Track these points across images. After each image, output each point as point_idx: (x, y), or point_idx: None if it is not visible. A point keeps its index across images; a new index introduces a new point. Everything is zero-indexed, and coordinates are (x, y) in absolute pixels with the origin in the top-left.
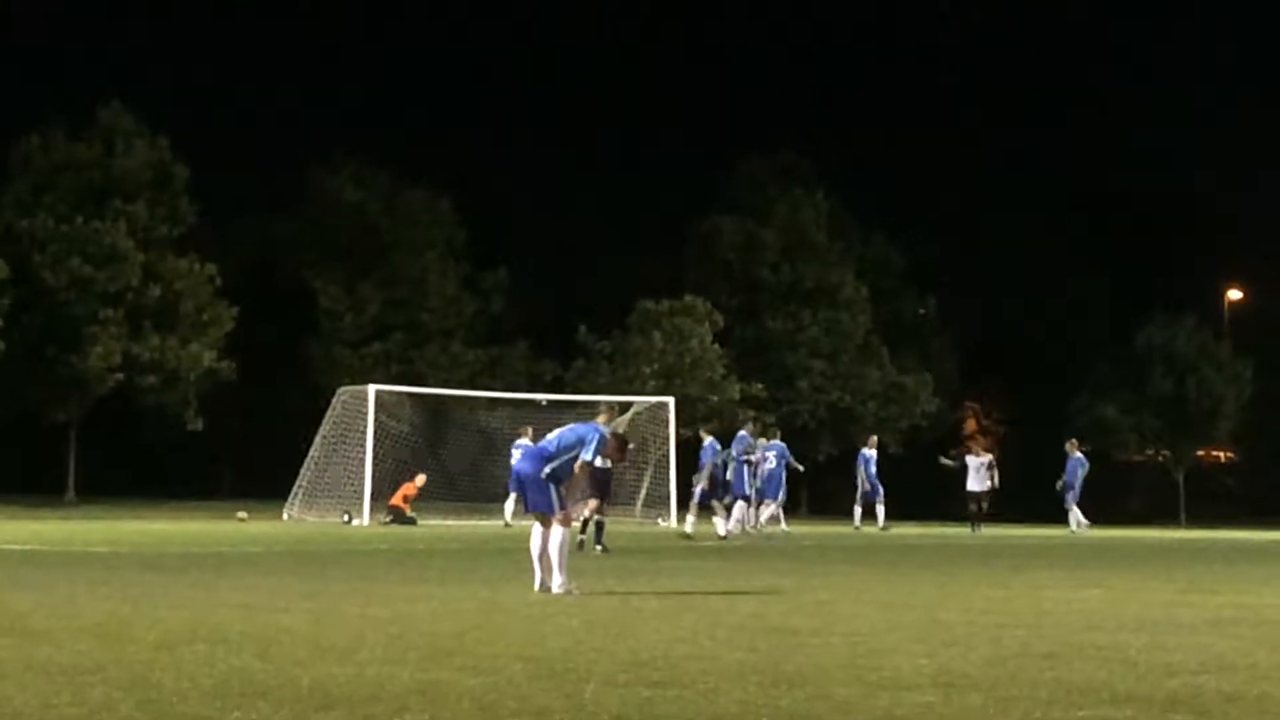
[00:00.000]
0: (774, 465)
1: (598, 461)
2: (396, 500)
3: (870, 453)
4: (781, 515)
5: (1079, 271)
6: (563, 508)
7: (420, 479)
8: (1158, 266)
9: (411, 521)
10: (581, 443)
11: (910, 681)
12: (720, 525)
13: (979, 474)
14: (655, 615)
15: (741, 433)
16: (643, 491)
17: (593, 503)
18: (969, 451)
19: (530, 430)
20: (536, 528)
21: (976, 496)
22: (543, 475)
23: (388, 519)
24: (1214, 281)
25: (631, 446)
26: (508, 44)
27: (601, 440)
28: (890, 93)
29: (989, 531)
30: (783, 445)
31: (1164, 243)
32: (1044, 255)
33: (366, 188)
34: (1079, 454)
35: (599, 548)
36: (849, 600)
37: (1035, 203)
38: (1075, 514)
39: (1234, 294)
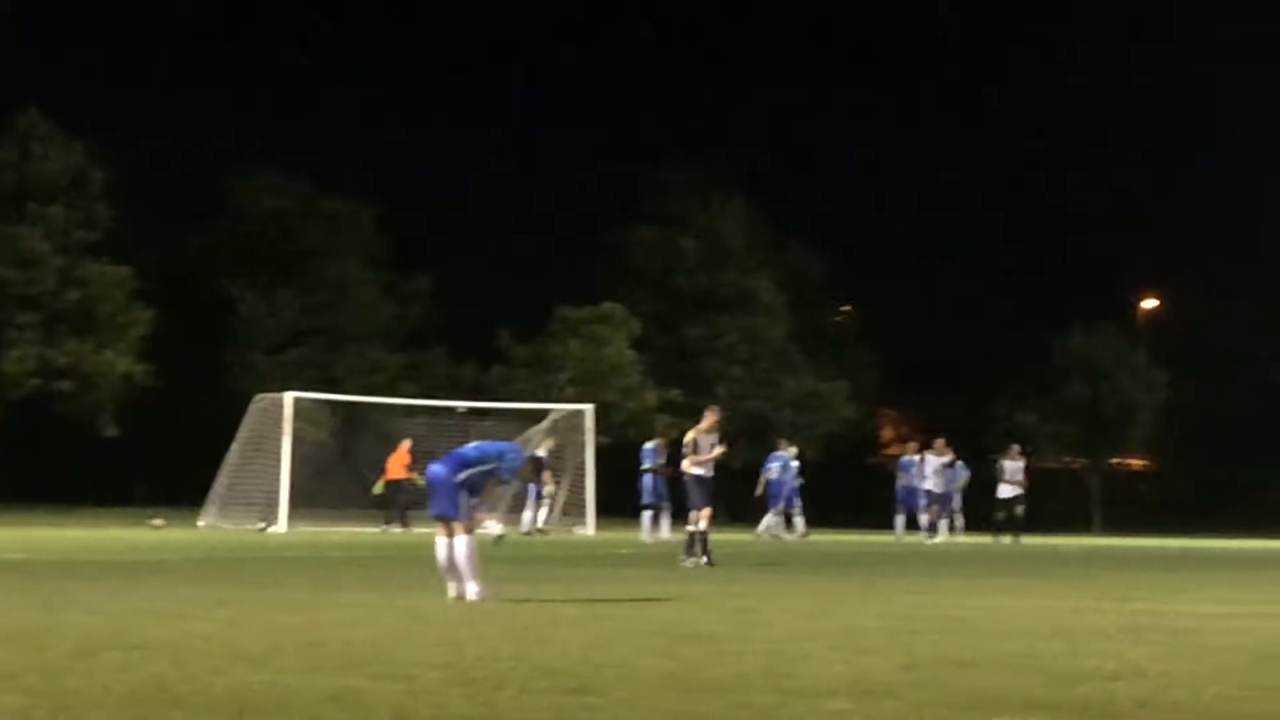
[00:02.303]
0: (777, 475)
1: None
2: (398, 474)
3: (783, 456)
4: (783, 522)
5: (997, 279)
6: (469, 515)
7: (407, 443)
8: (1075, 275)
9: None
10: (501, 458)
11: (827, 688)
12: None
13: (938, 475)
14: (572, 623)
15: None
16: (560, 499)
17: (707, 511)
18: (926, 449)
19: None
20: (441, 538)
21: (938, 499)
22: (456, 480)
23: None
24: (1130, 290)
25: (546, 472)
26: (425, 48)
27: (520, 460)
28: (810, 102)
29: (907, 540)
30: (786, 456)
31: (1081, 251)
32: (962, 263)
33: (285, 194)
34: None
35: (704, 559)
36: (767, 607)
37: (954, 211)
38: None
39: (1149, 303)
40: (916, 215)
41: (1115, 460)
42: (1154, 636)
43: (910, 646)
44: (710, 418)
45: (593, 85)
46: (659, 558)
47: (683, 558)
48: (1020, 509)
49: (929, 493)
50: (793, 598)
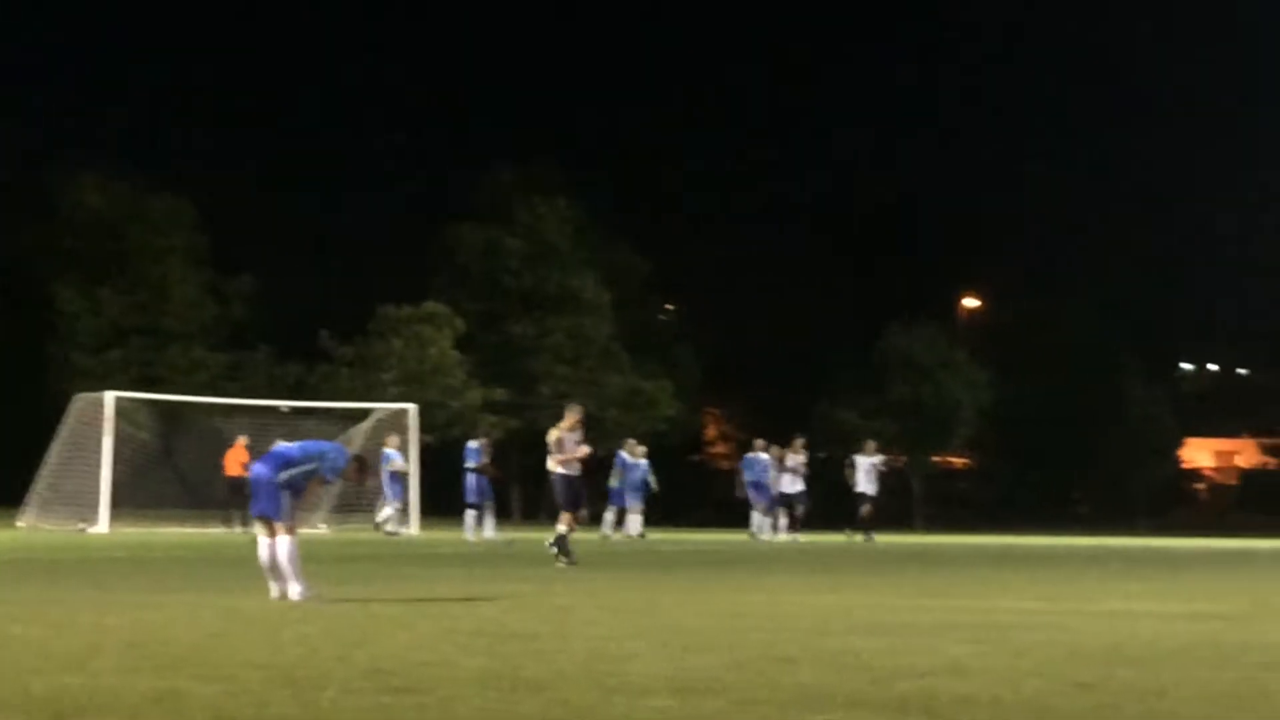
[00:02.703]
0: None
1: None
2: (235, 471)
3: (625, 456)
4: (629, 520)
5: (820, 278)
6: (291, 516)
7: (243, 439)
8: (898, 274)
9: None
10: (323, 458)
11: (649, 686)
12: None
13: (869, 476)
14: (394, 622)
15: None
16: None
17: (572, 512)
18: (858, 452)
19: (397, 439)
20: (263, 539)
21: (868, 500)
22: (278, 480)
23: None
24: (952, 289)
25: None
26: (249, 45)
27: (344, 460)
28: (634, 101)
29: (727, 538)
30: (625, 456)
31: (904, 250)
32: (786, 262)
33: (107, 193)
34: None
35: (565, 558)
36: (589, 606)
37: (777, 210)
38: (754, 519)
39: (970, 302)
40: (740, 214)
41: (937, 458)
42: (974, 633)
43: (733, 644)
44: (572, 416)
45: (420, 84)
46: (482, 557)
47: (557, 555)
48: (868, 507)
49: (783, 494)
50: (615, 596)
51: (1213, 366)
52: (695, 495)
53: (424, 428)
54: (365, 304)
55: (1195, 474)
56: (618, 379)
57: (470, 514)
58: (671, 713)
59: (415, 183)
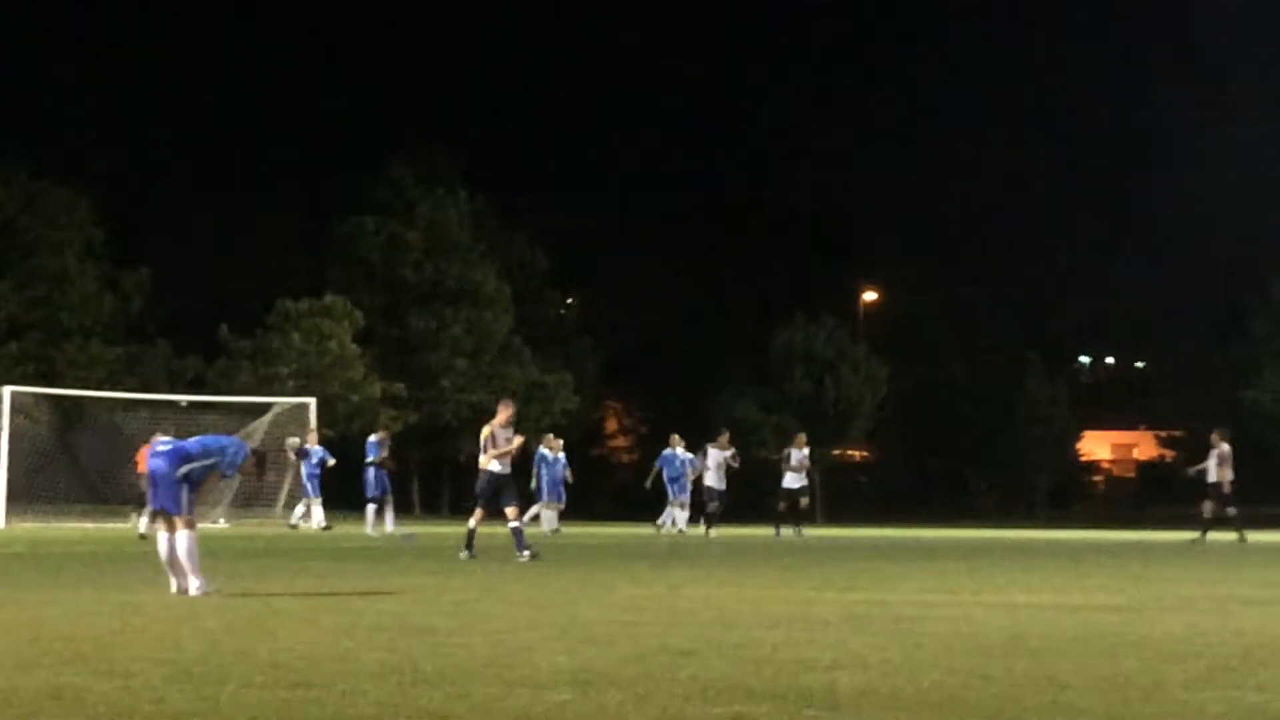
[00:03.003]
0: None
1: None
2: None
3: (545, 451)
4: (543, 515)
5: (720, 272)
6: (190, 511)
7: (158, 435)
8: (799, 267)
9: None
10: (223, 452)
11: (549, 679)
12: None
13: (719, 470)
14: (294, 617)
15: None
16: (283, 494)
17: (480, 513)
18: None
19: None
20: (162, 533)
21: (791, 494)
22: (177, 475)
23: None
24: (851, 283)
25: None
26: (144, 43)
27: (243, 455)
28: (536, 95)
29: (628, 531)
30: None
31: (803, 244)
32: (685, 255)
33: (2, 185)
34: (682, 451)
35: (467, 552)
36: (489, 599)
37: (679, 204)
38: (670, 513)
39: (869, 295)
40: (641, 208)
41: (837, 452)
42: (874, 625)
43: (634, 637)
44: (506, 410)
45: (322, 77)
46: (383, 551)
47: (518, 554)
48: (805, 500)
49: (784, 489)
50: (515, 590)
51: (1110, 360)
52: (596, 488)
53: (323, 422)
54: (264, 298)
55: (1093, 466)
56: (517, 373)
57: (371, 508)
58: (571, 706)
59: (315, 176)
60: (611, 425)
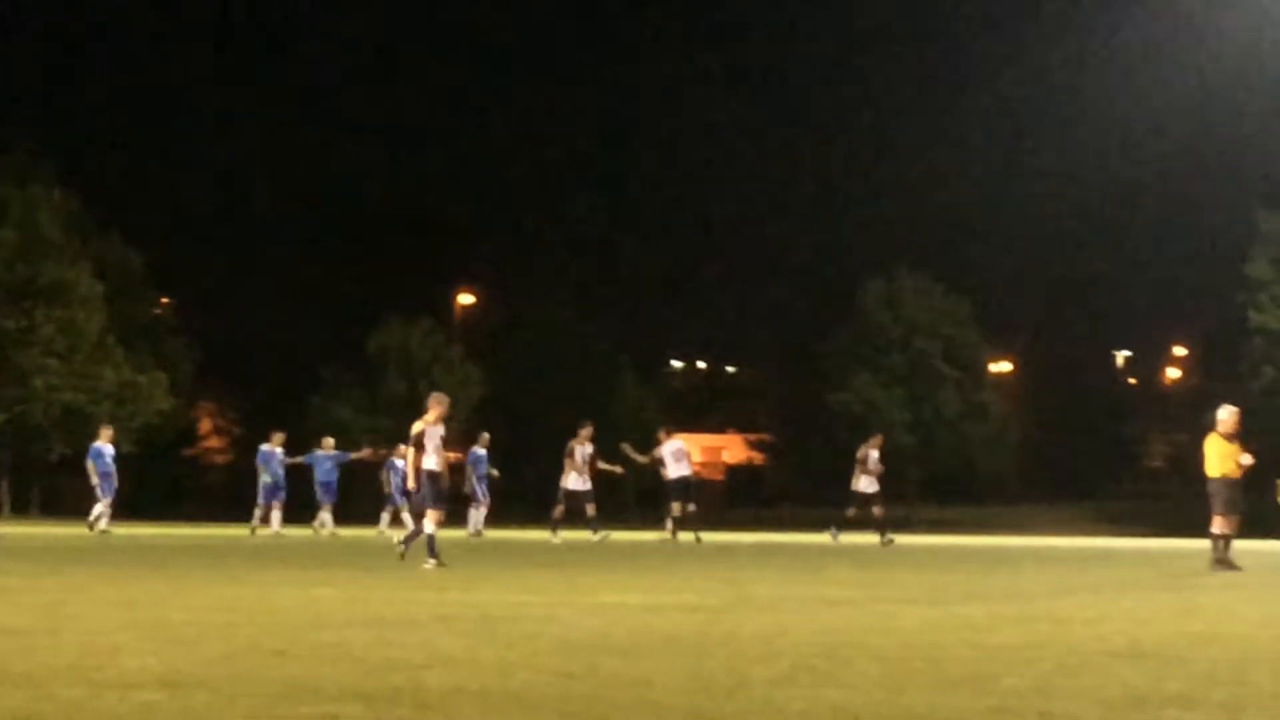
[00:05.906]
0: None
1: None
2: None
3: (478, 450)
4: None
5: (315, 272)
6: None
7: None
8: (393, 270)
9: None
10: None
11: (137, 680)
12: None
13: (679, 461)
14: None
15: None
16: None
17: (437, 514)
18: (661, 443)
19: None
20: None
21: (684, 483)
22: None
23: None
24: (447, 286)
25: None
26: None
27: None
28: (137, 95)
29: (216, 531)
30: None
31: (400, 246)
32: (282, 256)
33: None
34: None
35: (403, 547)
36: (79, 600)
37: (276, 205)
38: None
39: (465, 299)
40: (238, 210)
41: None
42: (466, 626)
43: (225, 637)
44: (438, 408)
45: None
46: None
47: (424, 557)
48: (878, 509)
49: (673, 481)
50: (106, 590)
51: (702, 364)
52: (186, 489)
53: None
54: None
55: None
56: (110, 372)
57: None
58: (160, 707)
59: None
60: (205, 426)
